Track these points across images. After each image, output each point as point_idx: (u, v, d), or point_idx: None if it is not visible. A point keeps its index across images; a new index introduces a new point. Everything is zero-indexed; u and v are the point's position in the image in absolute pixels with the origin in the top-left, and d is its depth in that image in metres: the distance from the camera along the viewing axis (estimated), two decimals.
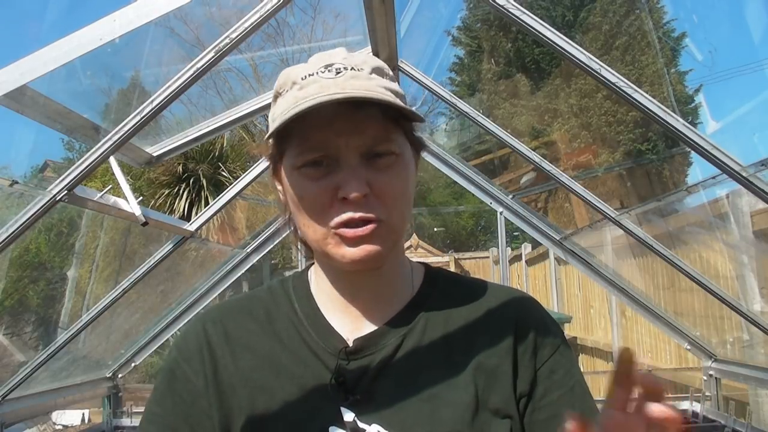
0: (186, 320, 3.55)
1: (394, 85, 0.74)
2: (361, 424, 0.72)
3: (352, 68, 0.72)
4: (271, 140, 0.76)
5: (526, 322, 0.79)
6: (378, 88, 0.71)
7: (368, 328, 0.78)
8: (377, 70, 0.74)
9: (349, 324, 0.78)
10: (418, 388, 0.74)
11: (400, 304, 0.80)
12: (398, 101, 0.71)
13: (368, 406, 0.73)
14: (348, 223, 0.71)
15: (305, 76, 0.72)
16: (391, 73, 0.77)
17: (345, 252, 0.72)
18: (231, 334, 0.80)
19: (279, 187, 0.80)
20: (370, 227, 0.71)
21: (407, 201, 0.76)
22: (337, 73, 0.71)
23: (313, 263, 0.85)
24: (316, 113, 0.68)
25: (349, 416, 0.73)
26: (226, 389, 0.76)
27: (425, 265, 0.87)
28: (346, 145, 0.70)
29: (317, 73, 0.72)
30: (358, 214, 0.70)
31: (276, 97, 0.76)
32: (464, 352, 0.77)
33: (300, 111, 0.67)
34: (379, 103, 0.69)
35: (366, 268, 0.74)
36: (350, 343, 0.76)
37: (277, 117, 0.72)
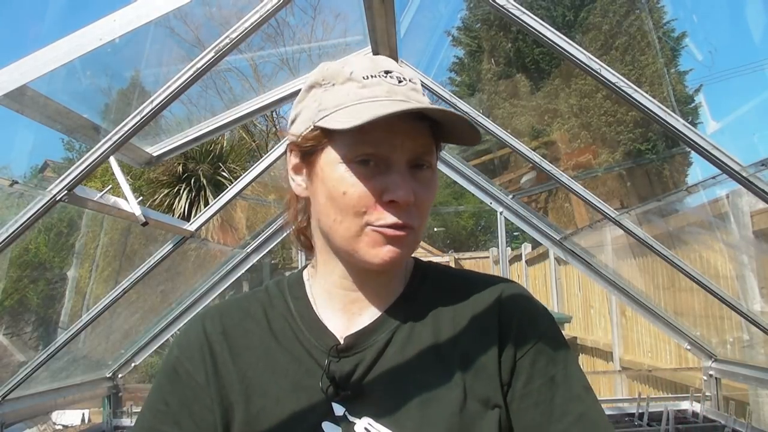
0: (186, 320, 3.55)
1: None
2: (351, 419, 0.74)
3: (410, 80, 0.76)
4: (310, 130, 0.76)
5: (509, 312, 0.79)
6: (431, 105, 0.74)
7: (360, 325, 0.79)
8: (420, 86, 0.78)
9: (344, 321, 0.80)
10: (407, 383, 0.75)
11: (391, 300, 0.81)
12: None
13: (359, 402, 0.74)
14: (391, 227, 0.73)
15: (367, 76, 0.74)
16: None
17: (378, 251, 0.74)
18: (229, 332, 0.81)
19: (298, 179, 0.80)
20: (405, 231, 0.74)
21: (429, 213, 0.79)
22: (399, 81, 0.75)
23: (307, 265, 0.86)
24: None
25: (340, 411, 0.74)
26: (226, 385, 0.78)
27: (414, 259, 0.87)
28: (401, 148, 0.73)
29: (379, 75, 0.74)
30: (402, 221, 0.73)
31: (312, 87, 0.77)
32: (452, 344, 0.78)
33: (389, 113, 0.68)
34: (429, 117, 0.73)
35: (386, 270, 0.76)
36: (342, 341, 0.78)
37: (327, 108, 0.74)
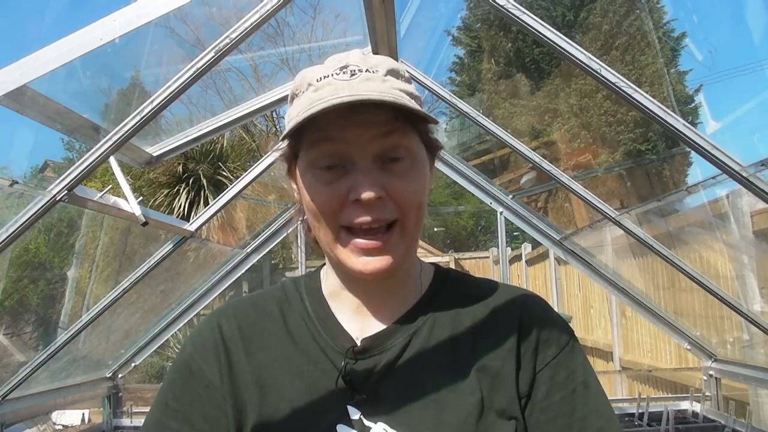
0: (186, 320, 3.56)
1: (409, 87, 0.74)
2: (366, 422, 0.73)
3: (367, 70, 0.72)
4: (285, 141, 0.77)
5: (529, 323, 0.79)
6: (392, 90, 0.71)
7: (377, 327, 0.78)
8: (392, 72, 0.74)
9: (359, 323, 0.79)
10: (423, 389, 0.74)
11: (409, 304, 0.80)
12: (411, 102, 0.71)
13: (374, 405, 0.74)
14: (360, 226, 0.71)
15: (320, 78, 0.72)
16: (406, 74, 0.77)
17: (355, 262, 0.72)
18: (245, 331, 0.80)
19: (294, 186, 0.80)
20: (382, 240, 0.71)
21: (423, 204, 0.75)
22: (352, 75, 0.71)
23: (325, 264, 0.85)
24: (329, 114, 0.68)
25: (355, 414, 0.73)
26: (240, 385, 0.77)
27: (435, 265, 0.87)
28: (357, 145, 0.70)
29: (332, 75, 0.72)
30: (371, 217, 0.70)
31: (292, 98, 0.77)
32: (470, 352, 0.77)
33: (311, 114, 0.67)
34: (392, 105, 0.69)
35: (376, 279, 0.74)
36: (359, 343, 0.77)
37: (292, 118, 0.73)
